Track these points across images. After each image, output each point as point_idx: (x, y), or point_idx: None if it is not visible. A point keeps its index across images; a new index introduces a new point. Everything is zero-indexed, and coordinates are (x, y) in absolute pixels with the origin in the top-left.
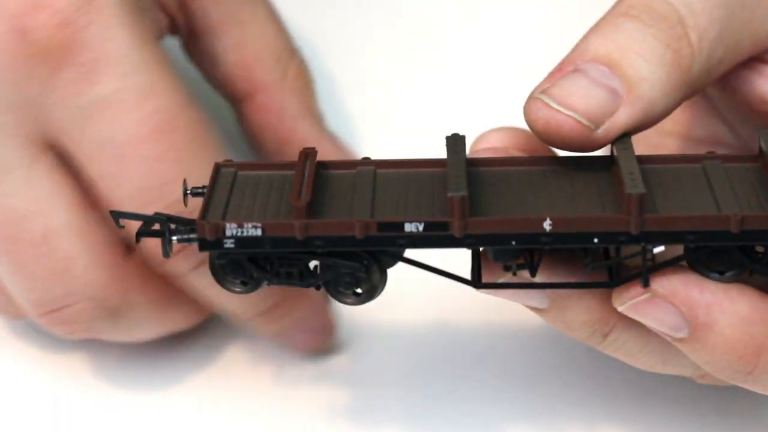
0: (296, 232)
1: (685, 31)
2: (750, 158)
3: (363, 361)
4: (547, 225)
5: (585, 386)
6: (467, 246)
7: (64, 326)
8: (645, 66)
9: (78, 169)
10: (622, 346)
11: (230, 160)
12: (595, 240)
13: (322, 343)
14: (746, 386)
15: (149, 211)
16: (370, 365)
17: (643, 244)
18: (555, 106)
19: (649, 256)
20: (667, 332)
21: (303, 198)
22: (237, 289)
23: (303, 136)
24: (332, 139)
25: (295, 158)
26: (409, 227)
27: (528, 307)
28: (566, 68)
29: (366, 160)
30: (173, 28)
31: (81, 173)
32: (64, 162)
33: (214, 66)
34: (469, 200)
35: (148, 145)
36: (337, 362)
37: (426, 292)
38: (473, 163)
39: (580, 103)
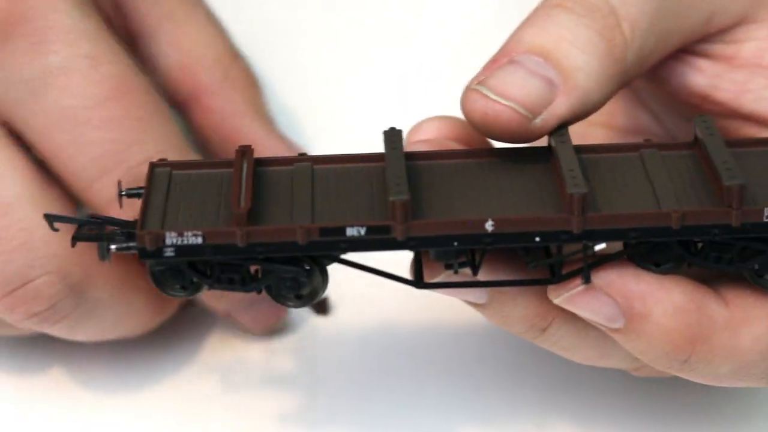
0: (237, 240)
1: (617, 21)
2: (685, 145)
3: (311, 360)
4: (489, 226)
5: (523, 378)
6: (409, 248)
7: (24, 307)
8: (580, 56)
9: (32, 145)
10: (559, 340)
11: (164, 160)
12: (537, 239)
13: (272, 322)
14: (682, 375)
15: (110, 178)
16: (319, 364)
17: (584, 242)
18: (492, 96)
19: (590, 252)
20: (603, 323)
21: (243, 204)
22: (178, 294)
23: (249, 135)
24: (280, 137)
25: None
26: (350, 231)
27: (467, 302)
28: (501, 60)
29: (303, 156)
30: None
31: (36, 148)
32: (18, 139)
33: (154, 70)
34: (411, 206)
35: (106, 108)
36: (284, 363)
37: (370, 290)
38: (411, 156)
39: (517, 93)
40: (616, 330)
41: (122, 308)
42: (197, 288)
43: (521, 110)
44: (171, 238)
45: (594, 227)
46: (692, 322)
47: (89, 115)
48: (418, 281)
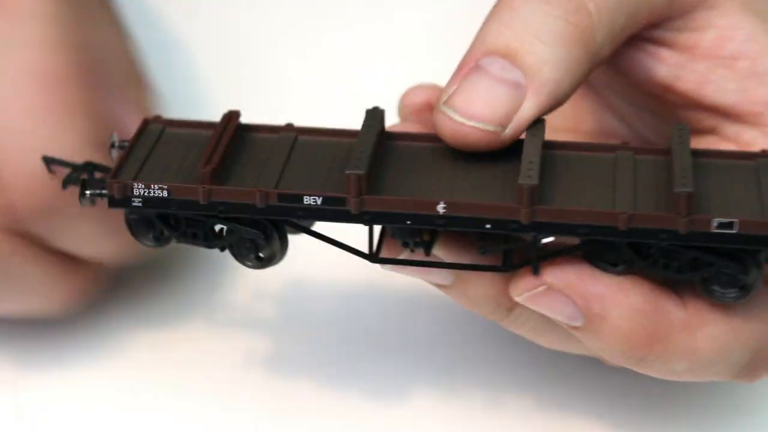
0: (199, 197)
1: (582, 2)
2: (660, 152)
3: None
4: (440, 208)
5: (483, 357)
6: (364, 222)
7: None
8: (545, 49)
9: None
10: (526, 321)
11: (159, 116)
12: (488, 226)
13: None
14: (639, 370)
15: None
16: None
17: (533, 233)
18: (458, 119)
19: (539, 245)
20: (563, 321)
21: (210, 164)
22: (148, 243)
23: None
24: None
25: None
26: (307, 200)
27: (432, 284)
28: (467, 65)
29: (289, 126)
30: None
31: None
32: None
33: None
34: (370, 177)
35: (26, 96)
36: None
37: (329, 264)
38: (388, 136)
39: (482, 112)
40: (576, 328)
41: (18, 281)
42: (167, 240)
43: (488, 128)
44: (138, 189)
45: (543, 220)
46: (649, 324)
47: (8, 98)
48: (372, 255)
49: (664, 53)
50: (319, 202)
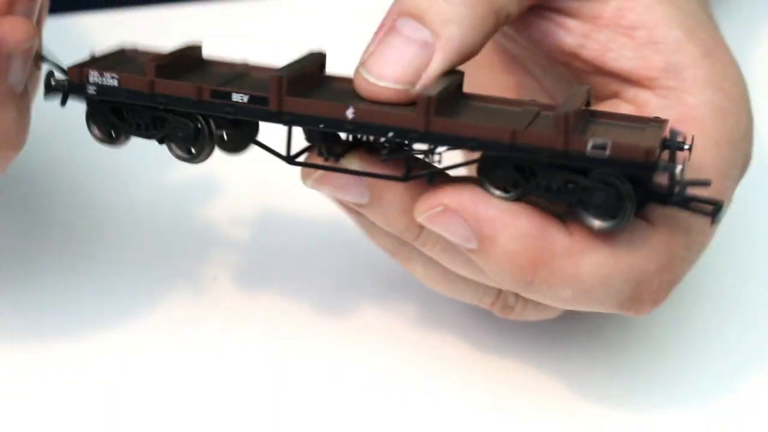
0: (144, 88)
1: None
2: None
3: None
4: (350, 113)
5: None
6: (284, 122)
7: None
8: (450, 8)
9: None
10: (436, 242)
11: (135, 49)
12: (390, 134)
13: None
14: (529, 296)
15: None
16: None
17: (429, 144)
18: (371, 80)
19: (436, 158)
20: (459, 242)
21: (157, 60)
22: (103, 138)
23: None
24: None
25: None
26: (236, 97)
27: (350, 207)
28: (385, 27)
29: (245, 64)
30: None
31: None
32: None
33: None
34: (292, 84)
35: None
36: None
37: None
38: (329, 78)
39: (392, 71)
40: (471, 250)
41: None
42: (119, 135)
43: (398, 86)
44: (93, 76)
45: (438, 131)
46: (534, 247)
47: None
48: (290, 158)
49: (570, 23)
50: (245, 99)
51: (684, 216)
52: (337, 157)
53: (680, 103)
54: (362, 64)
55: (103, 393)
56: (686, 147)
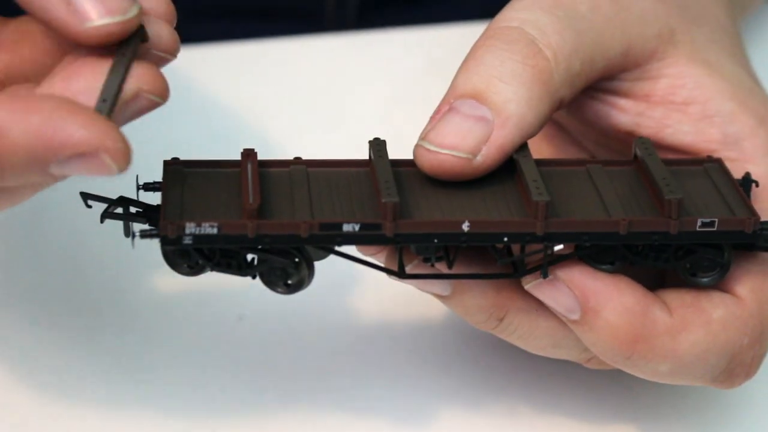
0: (248, 232)
1: (539, 48)
2: (625, 162)
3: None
4: (465, 226)
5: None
6: (396, 243)
7: None
8: (507, 88)
9: None
10: (516, 329)
11: (177, 159)
12: (505, 239)
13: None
14: (626, 370)
15: None
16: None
17: (545, 243)
18: (433, 149)
19: (549, 252)
20: (562, 312)
21: (253, 200)
22: (184, 272)
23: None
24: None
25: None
26: (347, 227)
27: (433, 294)
28: (442, 109)
29: (298, 160)
30: None
31: None
32: None
33: None
34: (401, 203)
35: None
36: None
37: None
38: (396, 164)
39: (453, 140)
40: (573, 321)
41: None
42: (202, 269)
43: (460, 154)
44: (190, 228)
45: (554, 230)
46: (637, 323)
47: None
48: (401, 272)
49: (623, 103)
50: (357, 228)
51: None
52: (447, 259)
53: (743, 173)
54: (422, 138)
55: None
56: (754, 180)
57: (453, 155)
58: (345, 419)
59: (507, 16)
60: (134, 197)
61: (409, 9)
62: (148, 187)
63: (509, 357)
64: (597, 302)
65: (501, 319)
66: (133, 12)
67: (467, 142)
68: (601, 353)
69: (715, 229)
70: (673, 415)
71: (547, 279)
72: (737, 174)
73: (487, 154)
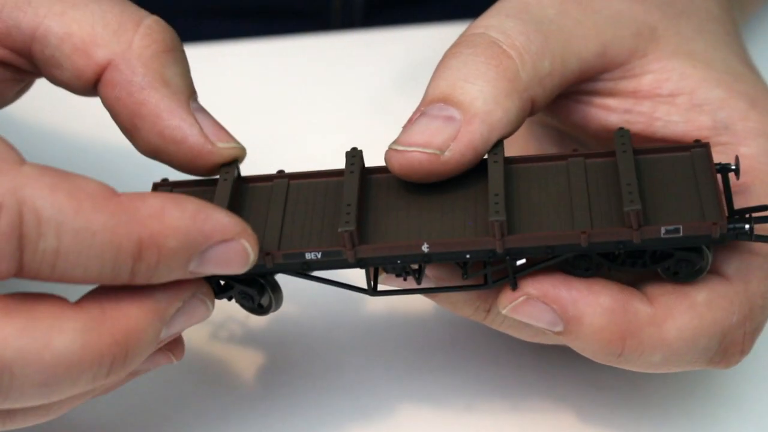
0: None
1: (502, 48)
2: (607, 154)
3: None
4: (425, 248)
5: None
6: (359, 267)
7: None
8: (473, 87)
9: None
10: (504, 319)
11: (166, 179)
12: (468, 256)
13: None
14: (622, 367)
15: None
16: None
17: (507, 258)
18: (401, 148)
19: (513, 265)
20: (546, 328)
21: None
22: None
23: (153, 109)
24: (185, 113)
25: (150, 132)
26: (309, 255)
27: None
28: (414, 117)
29: (281, 174)
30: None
31: None
32: None
33: (58, 68)
34: (359, 230)
35: None
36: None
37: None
38: (368, 171)
39: (421, 138)
40: (558, 332)
41: None
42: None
43: (427, 150)
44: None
45: (513, 246)
46: (620, 321)
47: None
48: (372, 290)
49: (610, 102)
50: (319, 256)
51: (757, 265)
52: (417, 273)
53: (738, 155)
54: (392, 142)
55: None
56: (733, 168)
57: (421, 151)
58: (352, 417)
59: (474, 25)
60: None
61: (415, 8)
62: None
63: (510, 356)
64: (576, 310)
65: (488, 311)
66: (240, 143)
67: (435, 140)
68: (592, 356)
69: (681, 235)
70: (678, 407)
71: (523, 299)
72: (729, 158)
73: (455, 149)
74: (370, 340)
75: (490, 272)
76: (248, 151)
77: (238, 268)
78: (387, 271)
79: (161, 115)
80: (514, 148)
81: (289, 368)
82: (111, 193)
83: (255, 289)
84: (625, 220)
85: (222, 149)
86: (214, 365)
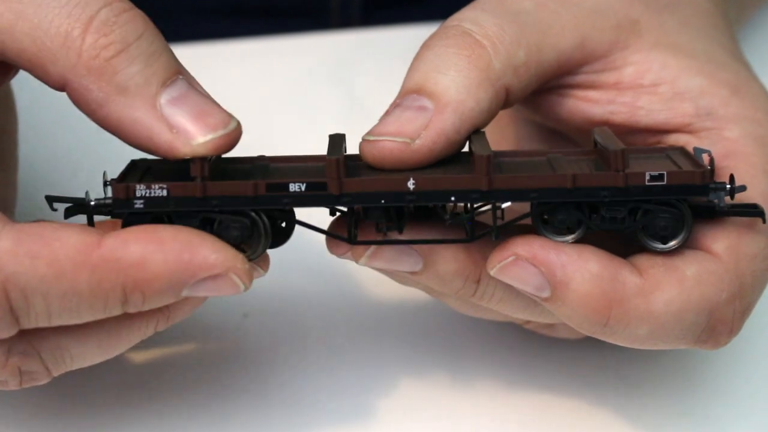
0: (196, 192)
1: (475, 39)
2: (587, 152)
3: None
4: (410, 184)
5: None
6: (344, 204)
7: None
8: (444, 77)
9: None
10: (494, 291)
11: (145, 159)
12: (452, 198)
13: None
14: (606, 339)
15: None
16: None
17: (492, 201)
18: (373, 138)
19: (498, 211)
20: (533, 292)
21: (204, 165)
22: None
23: (115, 123)
24: (153, 114)
25: (125, 138)
26: (293, 187)
27: (405, 275)
28: (389, 109)
29: (261, 157)
30: None
31: None
32: None
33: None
34: (347, 164)
35: None
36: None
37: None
38: (352, 158)
39: (392, 128)
40: (545, 299)
41: None
42: None
43: (397, 139)
44: (140, 190)
45: (500, 187)
46: (607, 289)
47: None
48: (352, 239)
49: (592, 94)
50: (303, 188)
51: (747, 244)
52: (397, 227)
53: (721, 139)
54: (367, 133)
55: None
56: (706, 151)
57: (391, 140)
58: (350, 414)
59: (450, 18)
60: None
61: (412, 7)
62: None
63: (511, 354)
64: (564, 274)
65: (478, 281)
66: (234, 124)
67: (406, 129)
68: (578, 326)
69: (665, 182)
70: (678, 407)
71: (512, 259)
72: (713, 143)
73: (426, 137)
74: (370, 340)
75: (471, 221)
76: (246, 150)
77: (231, 294)
78: (368, 218)
79: (124, 129)
80: (502, 148)
81: (288, 368)
82: (91, 245)
83: (246, 221)
84: (611, 164)
85: (196, 147)
86: (214, 366)
